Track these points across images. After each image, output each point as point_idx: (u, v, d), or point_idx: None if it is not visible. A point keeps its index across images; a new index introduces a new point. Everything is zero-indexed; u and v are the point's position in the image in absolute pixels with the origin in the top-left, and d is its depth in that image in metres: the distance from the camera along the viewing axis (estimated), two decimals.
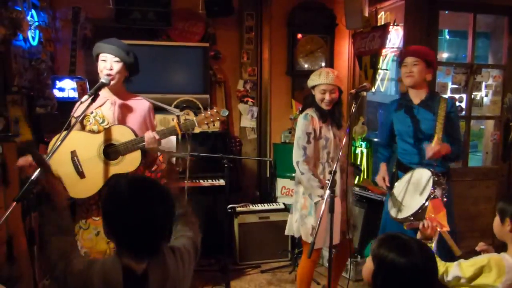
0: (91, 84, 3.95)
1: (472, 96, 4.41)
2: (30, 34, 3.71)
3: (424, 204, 2.42)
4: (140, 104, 2.55)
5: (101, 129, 2.44)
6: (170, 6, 4.46)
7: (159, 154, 2.73)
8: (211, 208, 4.15)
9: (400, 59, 3.02)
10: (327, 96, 2.90)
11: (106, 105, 2.49)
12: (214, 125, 2.43)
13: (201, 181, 4.17)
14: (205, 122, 2.37)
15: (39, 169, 1.88)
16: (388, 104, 3.19)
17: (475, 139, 6.81)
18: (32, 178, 1.89)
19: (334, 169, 2.40)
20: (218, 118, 2.37)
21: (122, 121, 2.48)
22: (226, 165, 3.40)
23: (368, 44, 4.54)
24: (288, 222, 3.13)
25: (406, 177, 2.77)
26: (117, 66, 2.41)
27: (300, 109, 4.77)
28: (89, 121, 2.49)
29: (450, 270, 1.91)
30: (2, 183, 2.79)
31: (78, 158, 2.40)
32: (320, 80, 2.90)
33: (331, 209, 2.33)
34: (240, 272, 3.98)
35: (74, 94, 3.97)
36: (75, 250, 1.51)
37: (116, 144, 2.36)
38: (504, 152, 4.51)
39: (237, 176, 4.62)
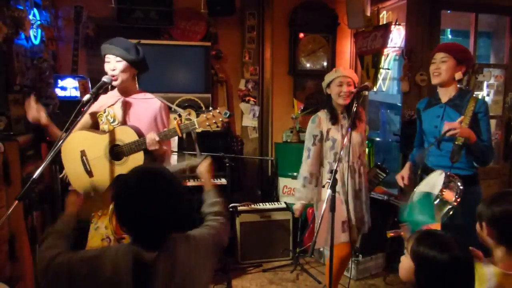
0: (93, 83, 3.96)
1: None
2: (32, 33, 3.72)
3: None
4: (151, 104, 2.53)
5: (111, 129, 2.44)
6: (172, 5, 4.47)
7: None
8: None
9: (430, 56, 2.81)
10: (344, 88, 2.92)
11: (118, 104, 2.50)
12: (217, 126, 2.35)
13: (203, 180, 4.15)
14: (207, 124, 2.31)
15: (40, 168, 1.89)
16: (418, 102, 3.00)
17: None
18: (34, 177, 1.89)
19: (335, 168, 2.40)
20: (220, 119, 2.29)
21: (131, 120, 2.48)
22: (227, 164, 3.40)
23: (370, 44, 4.54)
24: None
25: (426, 179, 2.58)
26: (119, 66, 2.41)
27: (302, 108, 4.81)
28: (101, 120, 2.50)
29: None
30: (4, 182, 2.80)
31: (87, 157, 2.42)
32: (337, 73, 2.95)
33: (332, 208, 2.33)
34: (242, 271, 3.98)
35: (76, 93, 3.98)
36: (63, 252, 1.47)
37: (121, 144, 2.37)
38: (505, 151, 4.51)
39: (239, 175, 4.63)
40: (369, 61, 4.62)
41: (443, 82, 2.68)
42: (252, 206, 4.24)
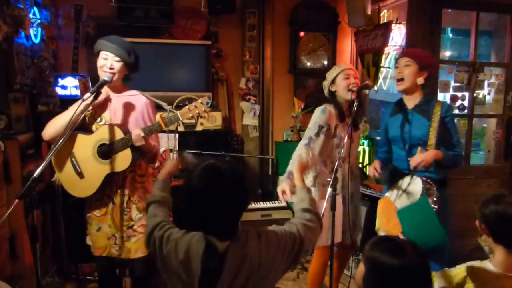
0: (93, 81, 3.96)
1: (475, 94, 4.39)
2: (32, 31, 3.72)
3: None
4: (137, 100, 2.54)
5: (98, 128, 2.44)
6: (172, 4, 4.47)
7: (161, 151, 2.72)
8: None
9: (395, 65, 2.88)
10: (352, 79, 2.83)
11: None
12: (201, 117, 2.40)
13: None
14: (190, 115, 2.34)
15: (41, 167, 1.88)
16: (383, 108, 3.06)
17: (477, 138, 6.80)
18: (34, 175, 1.89)
19: (336, 166, 2.37)
20: (203, 110, 2.34)
21: (118, 118, 2.48)
22: None
23: (371, 42, 4.53)
24: None
25: (402, 183, 2.63)
26: (117, 66, 2.40)
27: (303, 106, 4.81)
28: (89, 119, 2.49)
29: (435, 281, 1.86)
30: (5, 180, 2.80)
31: (76, 159, 2.41)
32: (340, 67, 2.88)
33: (332, 207, 2.32)
34: None
35: (77, 92, 3.97)
36: (167, 221, 1.66)
37: (108, 143, 2.37)
38: (506, 150, 4.49)
39: None
40: (369, 59, 4.61)
41: (407, 88, 2.71)
42: (253, 205, 4.23)
